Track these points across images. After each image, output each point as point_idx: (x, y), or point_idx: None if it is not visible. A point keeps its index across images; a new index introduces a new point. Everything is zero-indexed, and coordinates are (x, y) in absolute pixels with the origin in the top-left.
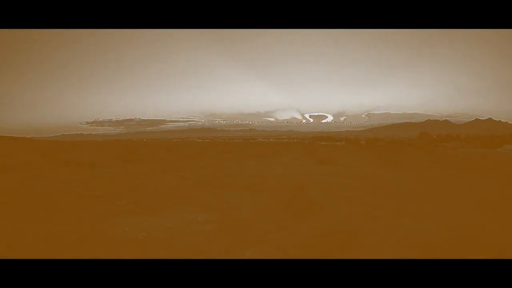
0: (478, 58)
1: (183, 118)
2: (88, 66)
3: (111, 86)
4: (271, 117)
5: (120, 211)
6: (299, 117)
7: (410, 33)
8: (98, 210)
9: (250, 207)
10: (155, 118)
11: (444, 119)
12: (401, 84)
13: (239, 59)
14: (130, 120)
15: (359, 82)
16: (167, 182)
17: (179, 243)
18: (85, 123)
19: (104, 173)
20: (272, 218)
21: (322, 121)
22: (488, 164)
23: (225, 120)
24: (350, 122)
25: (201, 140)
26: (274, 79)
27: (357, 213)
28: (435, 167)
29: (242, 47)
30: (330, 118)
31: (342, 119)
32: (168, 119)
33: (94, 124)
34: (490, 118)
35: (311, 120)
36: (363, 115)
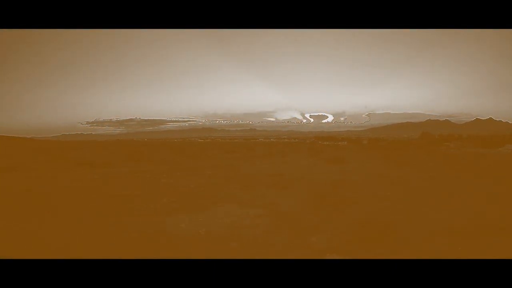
0: (479, 58)
1: (183, 118)
2: (88, 66)
3: (111, 86)
4: (271, 117)
5: (168, 210)
6: (300, 117)
7: (410, 33)
8: (143, 209)
9: (288, 202)
10: (155, 118)
11: (444, 119)
12: (401, 84)
13: (239, 59)
14: (130, 120)
15: (359, 82)
16: (194, 181)
17: (244, 235)
18: (85, 123)
19: (122, 172)
20: (314, 211)
21: (323, 121)
22: (491, 163)
23: (225, 120)
24: (351, 122)
25: (202, 140)
26: (274, 79)
27: (386, 207)
28: (442, 167)
29: (242, 47)
30: (330, 118)
31: (342, 119)
32: (168, 119)
33: (94, 124)
34: (490, 118)
35: (312, 120)
36: (364, 115)
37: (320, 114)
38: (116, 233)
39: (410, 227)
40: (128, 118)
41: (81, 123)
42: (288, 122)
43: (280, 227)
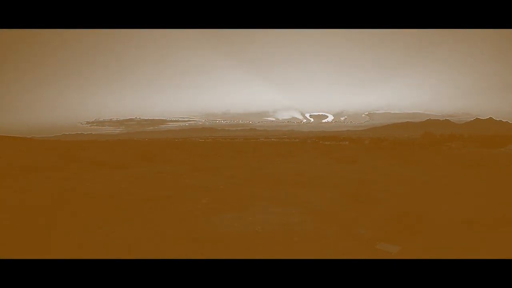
0: (479, 58)
1: (183, 118)
2: (88, 66)
3: (111, 86)
4: (271, 116)
5: (211, 210)
6: (300, 116)
7: (410, 33)
8: (187, 210)
9: (321, 200)
10: (155, 118)
11: (444, 118)
12: (401, 83)
13: (239, 59)
14: (130, 120)
15: (359, 82)
16: (218, 181)
17: (298, 231)
18: (85, 123)
19: (142, 173)
20: (349, 207)
21: (323, 121)
22: (495, 163)
23: (225, 120)
24: (351, 121)
25: (203, 140)
26: (274, 79)
27: (413, 201)
28: (450, 166)
29: (242, 47)
30: (330, 118)
31: (342, 118)
32: (168, 119)
33: (94, 124)
34: (490, 118)
35: (312, 120)
36: (364, 115)
37: (320, 114)
38: (174, 234)
39: (437, 219)
40: (128, 118)
41: (81, 123)
42: (288, 121)
43: (325, 222)
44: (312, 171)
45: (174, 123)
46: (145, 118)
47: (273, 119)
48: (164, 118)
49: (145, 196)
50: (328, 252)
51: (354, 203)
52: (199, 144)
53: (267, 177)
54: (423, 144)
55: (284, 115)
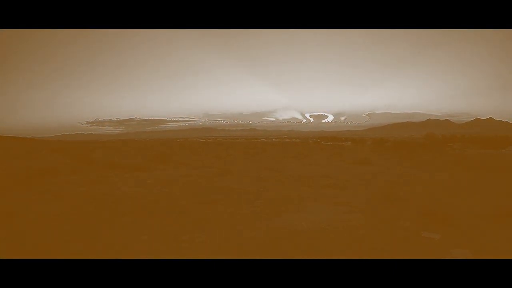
0: (479, 58)
1: (183, 118)
2: (88, 65)
3: (111, 86)
4: (271, 116)
5: (273, 211)
6: (300, 116)
7: (410, 33)
8: (248, 211)
9: (358, 200)
10: (155, 118)
11: (444, 118)
12: (401, 83)
13: (239, 59)
14: (130, 120)
15: (359, 82)
16: (248, 184)
17: (358, 225)
18: (85, 123)
19: (165, 176)
20: (385, 206)
21: (323, 121)
22: (500, 164)
23: (225, 120)
24: (351, 121)
25: (204, 140)
26: (274, 79)
27: (437, 199)
28: (457, 167)
29: (242, 47)
30: (330, 118)
31: (342, 118)
32: (168, 118)
33: (94, 124)
34: (490, 118)
35: (312, 119)
36: (364, 115)
37: (320, 114)
38: (254, 235)
39: (465, 214)
40: (127, 118)
41: (81, 123)
42: (288, 122)
43: (373, 218)
44: (334, 172)
45: (174, 123)
46: (145, 118)
47: (273, 119)
48: (164, 118)
49: (197, 200)
50: (390, 241)
51: (387, 202)
52: (204, 145)
53: (296, 179)
54: (426, 145)
55: (284, 115)
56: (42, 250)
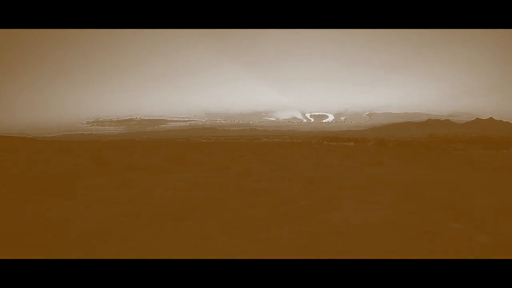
0: (479, 58)
1: (183, 117)
2: (87, 65)
3: (110, 85)
4: (271, 116)
5: (320, 209)
6: (300, 116)
7: (410, 33)
8: (298, 210)
9: (389, 201)
10: (155, 118)
11: (445, 118)
12: (401, 83)
13: (239, 59)
14: (131, 119)
15: (359, 82)
16: (284, 185)
17: (397, 220)
18: (85, 122)
19: (196, 177)
20: (411, 204)
21: (323, 121)
22: (504, 164)
23: (225, 120)
24: (351, 121)
25: (206, 140)
26: (274, 79)
27: (458, 198)
28: (465, 168)
29: (242, 46)
30: (331, 118)
31: (343, 118)
32: (168, 118)
33: (95, 124)
34: (491, 118)
35: (312, 119)
36: (364, 115)
37: (320, 113)
38: (319, 231)
39: (487, 211)
40: (128, 117)
41: (81, 123)
42: (288, 121)
43: (405, 215)
44: (350, 173)
45: (175, 122)
46: (145, 118)
47: (274, 119)
48: (165, 118)
49: (248, 202)
50: (429, 233)
51: (411, 199)
52: (210, 145)
53: (320, 180)
54: (430, 146)
55: (284, 115)
56: (122, 254)
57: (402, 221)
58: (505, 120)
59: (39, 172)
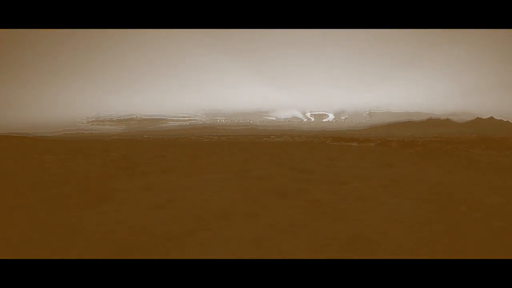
0: (479, 58)
1: (184, 116)
2: (87, 63)
3: (111, 84)
4: (272, 115)
5: (370, 205)
6: (300, 115)
7: (411, 33)
8: (349, 207)
9: (420, 200)
10: (156, 116)
11: (445, 117)
12: (401, 82)
13: (240, 58)
14: (131, 118)
15: (360, 81)
16: (301, 186)
17: (438, 217)
18: (85, 121)
19: (232, 180)
20: (439, 204)
21: (324, 120)
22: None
23: (225, 119)
24: (351, 120)
25: (208, 140)
26: (275, 78)
27: (480, 196)
28: (471, 169)
29: (242, 46)
30: (331, 117)
31: (343, 118)
32: (169, 117)
33: (95, 122)
34: (491, 117)
35: (312, 119)
36: (364, 114)
37: (320, 113)
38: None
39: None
40: (128, 116)
41: (81, 121)
42: (289, 121)
43: (459, 216)
44: (370, 174)
45: (175, 121)
46: (146, 116)
47: (274, 118)
48: (165, 116)
49: (285, 205)
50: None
51: (438, 200)
52: (218, 145)
53: (342, 181)
54: (432, 147)
55: (284, 114)
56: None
57: (450, 215)
58: (505, 120)
59: (66, 175)
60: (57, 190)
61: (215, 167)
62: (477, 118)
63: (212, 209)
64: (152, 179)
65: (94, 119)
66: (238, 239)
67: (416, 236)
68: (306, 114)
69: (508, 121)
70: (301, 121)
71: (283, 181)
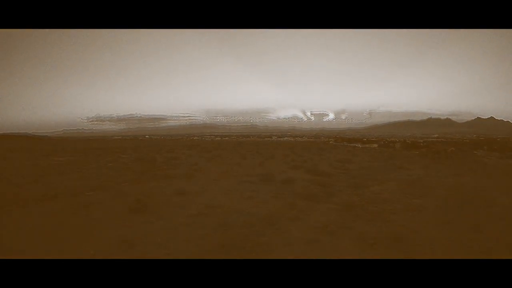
0: (479, 58)
1: (184, 115)
2: (87, 62)
3: (111, 83)
4: (272, 114)
5: (408, 206)
6: (301, 114)
7: (411, 33)
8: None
9: (436, 198)
10: (155, 115)
11: (445, 117)
12: (402, 82)
13: (240, 57)
14: (131, 116)
15: (360, 80)
16: (326, 190)
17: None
18: (86, 119)
19: (251, 185)
20: (464, 205)
21: (324, 119)
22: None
23: (226, 117)
24: (352, 120)
25: (209, 139)
26: (275, 77)
27: (496, 196)
28: (478, 171)
29: (242, 45)
30: (331, 116)
31: (343, 117)
32: (169, 116)
33: (95, 121)
34: (492, 117)
35: (313, 118)
36: (365, 113)
37: (321, 112)
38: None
39: None
40: (128, 114)
41: (81, 119)
42: (289, 119)
43: (488, 216)
44: (386, 178)
45: (175, 120)
46: (146, 115)
47: (274, 117)
48: (165, 115)
49: (319, 208)
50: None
51: (463, 200)
52: (225, 145)
53: (363, 185)
54: (435, 148)
55: (285, 113)
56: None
57: (475, 218)
58: (506, 120)
59: (92, 179)
60: (91, 197)
61: (234, 170)
62: (478, 118)
63: (257, 215)
64: (180, 183)
65: (94, 118)
66: (295, 241)
67: (447, 236)
68: (306, 113)
69: (508, 121)
70: (302, 120)
71: (307, 185)
